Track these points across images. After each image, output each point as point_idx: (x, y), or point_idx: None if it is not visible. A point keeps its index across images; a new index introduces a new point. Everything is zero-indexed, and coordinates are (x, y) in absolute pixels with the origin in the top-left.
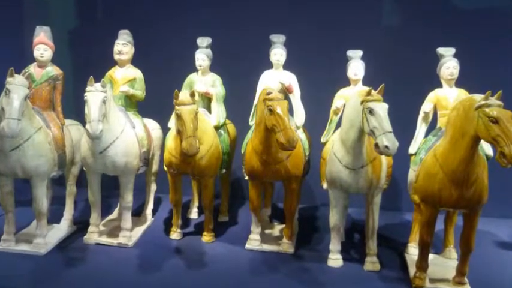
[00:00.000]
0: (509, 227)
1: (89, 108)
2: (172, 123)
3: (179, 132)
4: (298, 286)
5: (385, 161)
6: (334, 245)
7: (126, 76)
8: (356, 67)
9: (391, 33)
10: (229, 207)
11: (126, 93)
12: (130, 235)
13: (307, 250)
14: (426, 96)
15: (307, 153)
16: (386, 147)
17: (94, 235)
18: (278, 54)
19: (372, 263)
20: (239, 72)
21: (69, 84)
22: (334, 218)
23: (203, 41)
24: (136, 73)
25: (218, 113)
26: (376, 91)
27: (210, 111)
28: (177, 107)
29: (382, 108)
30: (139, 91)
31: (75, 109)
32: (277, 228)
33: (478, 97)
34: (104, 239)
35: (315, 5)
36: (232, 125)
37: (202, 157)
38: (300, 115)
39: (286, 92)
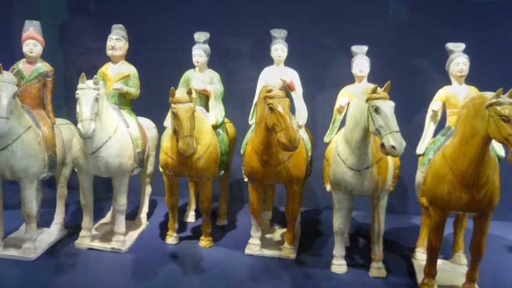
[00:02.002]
0: None
1: (81, 107)
2: (168, 122)
3: (175, 132)
4: None
5: (391, 161)
6: (338, 250)
7: (120, 73)
8: (361, 63)
9: (397, 28)
10: (228, 210)
11: (120, 90)
12: (124, 240)
13: (309, 255)
14: (434, 94)
15: (309, 154)
16: (393, 147)
17: (86, 239)
18: (279, 49)
19: (377, 269)
20: (238, 69)
21: (60, 81)
22: (338, 221)
23: (201, 36)
24: (131, 70)
25: (216, 111)
26: (382, 88)
27: (207, 110)
28: (173, 105)
29: (388, 107)
30: (133, 88)
31: (66, 107)
32: (278, 233)
33: (489, 95)
34: (97, 244)
35: None
36: (231, 124)
37: (199, 158)
38: (302, 114)
39: (287, 89)
